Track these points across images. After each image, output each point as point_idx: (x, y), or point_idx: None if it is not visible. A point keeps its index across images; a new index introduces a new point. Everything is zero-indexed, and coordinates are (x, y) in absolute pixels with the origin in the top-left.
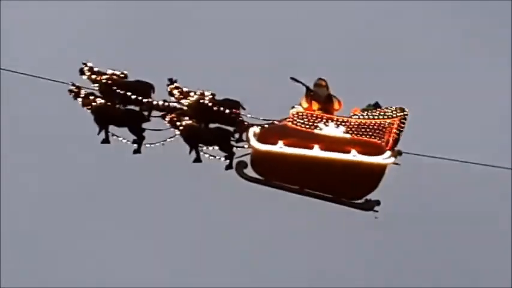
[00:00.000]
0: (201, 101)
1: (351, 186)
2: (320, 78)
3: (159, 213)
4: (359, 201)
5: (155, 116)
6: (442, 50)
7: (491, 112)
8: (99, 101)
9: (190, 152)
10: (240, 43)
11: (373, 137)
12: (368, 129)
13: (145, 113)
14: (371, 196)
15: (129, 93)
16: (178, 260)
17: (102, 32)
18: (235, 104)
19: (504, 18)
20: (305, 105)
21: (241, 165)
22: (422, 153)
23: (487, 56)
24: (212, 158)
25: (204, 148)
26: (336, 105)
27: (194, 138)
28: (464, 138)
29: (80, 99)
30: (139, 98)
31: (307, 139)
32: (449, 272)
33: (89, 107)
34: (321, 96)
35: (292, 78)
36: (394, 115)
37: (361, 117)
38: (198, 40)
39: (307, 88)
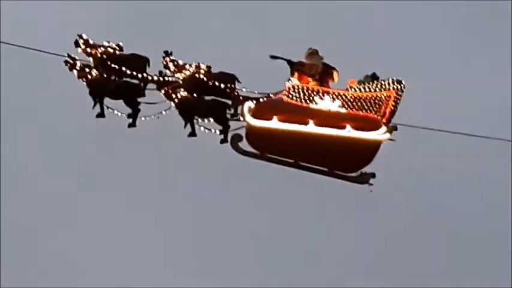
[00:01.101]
0: (196, 74)
1: (346, 160)
2: (310, 48)
3: (154, 188)
4: (354, 174)
5: (150, 89)
6: (440, 32)
7: (489, 84)
8: (95, 73)
9: (185, 126)
10: (236, 15)
11: (369, 110)
12: (364, 103)
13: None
14: (366, 169)
15: (123, 67)
16: (173, 236)
17: (99, 6)
18: (230, 78)
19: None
20: (296, 80)
21: (236, 139)
22: (418, 125)
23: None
24: (207, 131)
25: (200, 121)
26: (335, 78)
27: (189, 111)
28: (462, 110)
29: (75, 71)
30: (134, 71)
31: (302, 114)
32: (445, 246)
33: (84, 79)
34: (317, 66)
35: (272, 56)
36: (391, 87)
37: (357, 90)
38: (195, 13)
39: (290, 62)
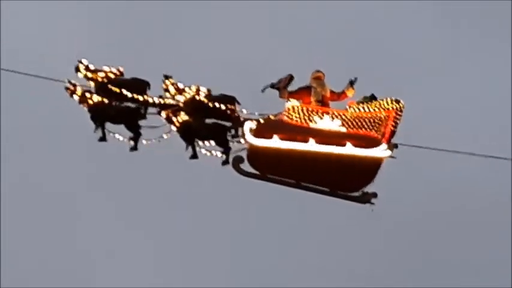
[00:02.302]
0: (197, 97)
1: (348, 179)
2: (319, 71)
3: (156, 209)
4: (356, 193)
5: (151, 113)
6: (437, 45)
7: (489, 103)
8: (96, 98)
9: (186, 148)
10: (235, 39)
11: (369, 129)
12: (364, 122)
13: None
14: (368, 189)
15: (124, 91)
16: (173, 255)
17: (98, 30)
18: (230, 100)
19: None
20: (295, 101)
21: (238, 160)
22: (418, 144)
23: (486, 50)
24: (209, 153)
25: (201, 143)
26: (350, 93)
27: (190, 134)
28: (462, 129)
29: (76, 97)
30: (135, 95)
31: (303, 133)
32: (446, 264)
33: (85, 104)
34: (322, 91)
35: (264, 90)
36: (390, 107)
37: (357, 110)
38: (193, 36)
39: (277, 88)
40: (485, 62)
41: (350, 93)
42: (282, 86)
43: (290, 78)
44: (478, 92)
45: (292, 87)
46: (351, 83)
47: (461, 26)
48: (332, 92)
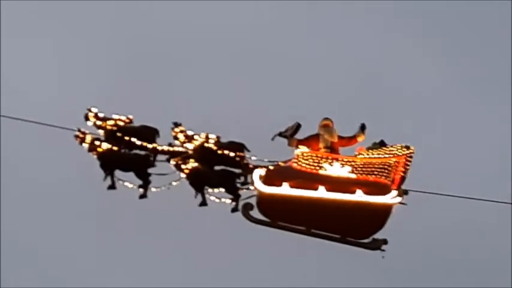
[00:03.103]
0: (206, 144)
1: (358, 226)
2: (326, 118)
3: (167, 256)
4: (366, 240)
5: (160, 160)
6: (440, 88)
7: (493, 148)
8: (105, 146)
9: (196, 196)
10: (243, 85)
11: (379, 176)
12: (374, 168)
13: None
14: (378, 235)
15: (134, 139)
16: None
17: (107, 78)
18: (239, 147)
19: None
20: (304, 148)
21: (248, 207)
22: (427, 190)
23: (486, 95)
24: (218, 200)
25: (210, 190)
26: (360, 138)
27: (200, 181)
28: (470, 174)
29: (85, 145)
30: (144, 143)
31: (312, 180)
32: None
33: (95, 152)
34: (330, 138)
35: (273, 138)
36: (400, 153)
37: (366, 156)
38: (202, 83)
39: (286, 136)
40: (488, 108)
41: (360, 138)
42: (289, 135)
43: (297, 126)
44: (480, 137)
45: (300, 135)
46: (362, 128)
47: (465, 73)
48: (341, 137)
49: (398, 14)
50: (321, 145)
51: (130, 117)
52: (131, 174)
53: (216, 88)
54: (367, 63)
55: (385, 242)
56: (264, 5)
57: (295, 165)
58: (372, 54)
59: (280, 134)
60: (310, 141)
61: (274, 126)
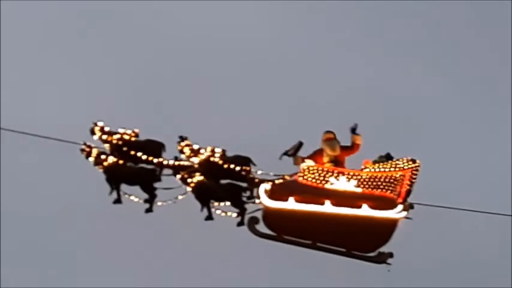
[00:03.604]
0: (212, 158)
1: (364, 240)
2: (328, 131)
3: (173, 270)
4: (372, 254)
5: (166, 175)
6: (441, 103)
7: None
8: (111, 160)
9: (202, 209)
10: (249, 98)
11: (385, 189)
12: (380, 182)
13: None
14: (384, 249)
15: (139, 153)
16: None
17: (112, 91)
18: (245, 161)
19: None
20: (310, 161)
21: (253, 221)
22: (433, 203)
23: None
24: (224, 214)
25: (216, 204)
26: (357, 140)
27: (205, 195)
28: (474, 187)
29: (91, 159)
30: (150, 157)
31: (318, 195)
32: None
33: (101, 166)
34: (332, 152)
35: (281, 158)
36: (406, 167)
37: (372, 170)
38: (207, 98)
39: (291, 155)
40: (489, 123)
41: (358, 140)
42: (291, 153)
43: (299, 145)
44: (482, 150)
45: (304, 153)
46: (353, 131)
47: (466, 90)
48: (343, 148)
49: (397, 15)
50: (325, 159)
51: (136, 131)
52: (137, 188)
53: (221, 102)
54: (368, 78)
55: (390, 255)
56: (273, 17)
57: (301, 179)
58: (371, 69)
59: (286, 153)
60: (314, 156)
61: (280, 140)
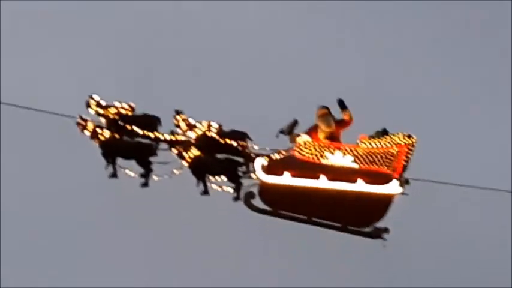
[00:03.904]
0: (208, 133)
1: (359, 215)
2: (322, 107)
3: (168, 244)
4: (367, 229)
5: (162, 149)
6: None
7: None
8: (107, 134)
9: (198, 184)
10: (246, 71)
11: (381, 165)
12: (376, 158)
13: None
14: (379, 224)
15: (135, 127)
16: None
17: (109, 66)
18: (242, 135)
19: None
20: (306, 137)
21: (249, 196)
22: (429, 179)
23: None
24: (220, 189)
25: (212, 179)
26: (346, 116)
27: (201, 170)
28: (473, 162)
29: (87, 132)
30: (146, 131)
31: (314, 170)
32: None
33: (96, 140)
34: (327, 129)
35: (277, 136)
36: (402, 142)
37: (368, 145)
38: (204, 69)
39: (287, 132)
40: (490, 99)
41: (347, 115)
42: (286, 132)
43: (294, 123)
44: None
45: (300, 130)
46: (341, 105)
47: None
48: (338, 123)
49: (397, 15)
50: (321, 135)
51: (133, 105)
52: (133, 163)
53: (219, 78)
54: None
55: (386, 230)
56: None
57: (297, 154)
58: (371, 55)
59: (282, 131)
60: (310, 132)
61: (277, 115)
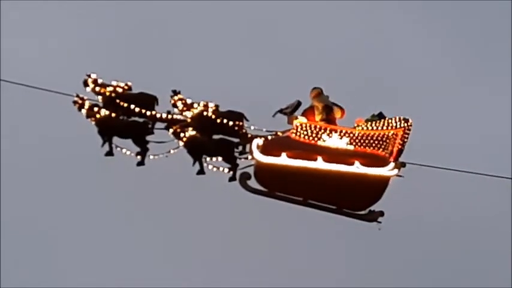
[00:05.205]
0: (205, 113)
1: (355, 198)
2: (315, 88)
3: (164, 222)
4: (362, 212)
5: (159, 128)
6: (441, 64)
7: (492, 121)
8: (103, 112)
9: (194, 164)
10: (244, 52)
11: (377, 147)
12: (372, 140)
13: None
14: (375, 207)
15: (132, 106)
16: (176, 272)
17: (106, 43)
18: (238, 116)
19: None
20: (303, 118)
21: (245, 177)
22: (425, 163)
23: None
24: (216, 169)
25: (208, 159)
26: (337, 114)
27: (198, 150)
28: (469, 147)
29: (84, 111)
30: (143, 110)
31: (311, 151)
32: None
33: (93, 118)
34: (321, 106)
35: (274, 115)
36: (398, 126)
37: (365, 128)
38: (202, 50)
39: (285, 113)
40: (489, 82)
41: (338, 114)
42: (289, 112)
43: (297, 104)
44: (480, 112)
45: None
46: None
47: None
48: (333, 105)
49: None
50: (318, 117)
51: (129, 84)
52: (129, 142)
53: (217, 59)
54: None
55: (381, 214)
56: None
57: (293, 135)
58: (372, 33)
59: (281, 111)
60: (306, 114)
61: (273, 96)
